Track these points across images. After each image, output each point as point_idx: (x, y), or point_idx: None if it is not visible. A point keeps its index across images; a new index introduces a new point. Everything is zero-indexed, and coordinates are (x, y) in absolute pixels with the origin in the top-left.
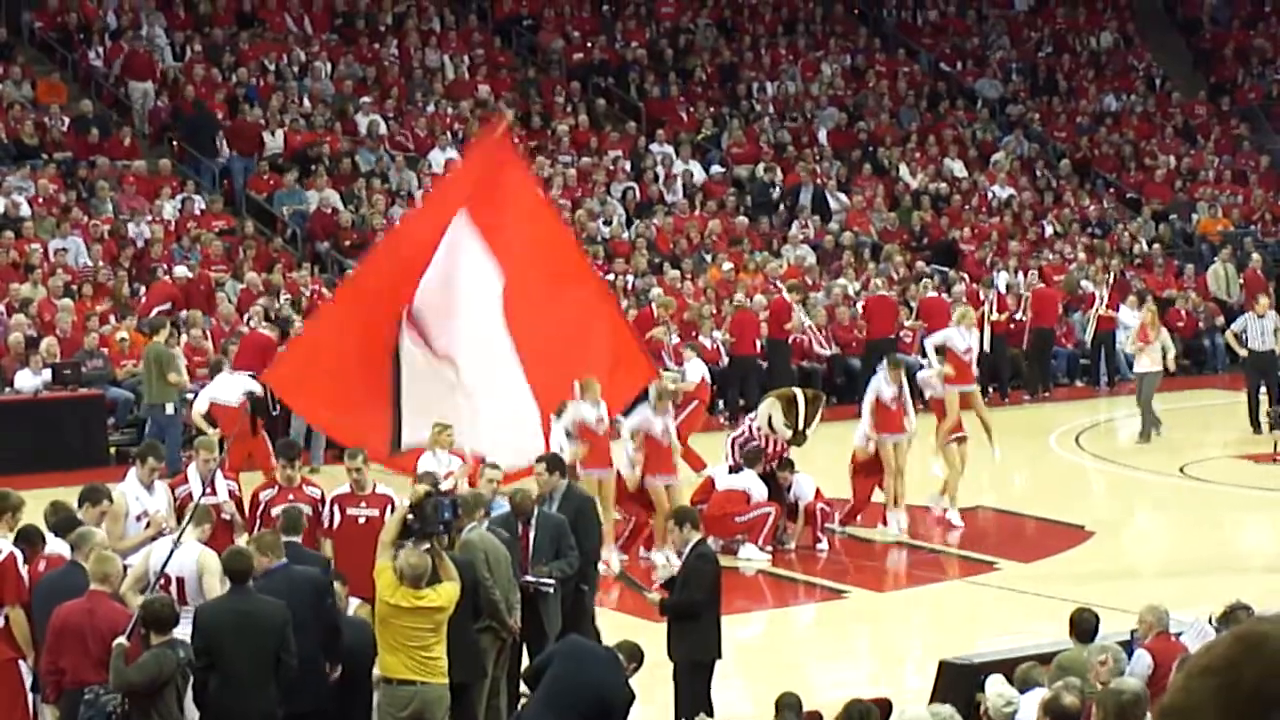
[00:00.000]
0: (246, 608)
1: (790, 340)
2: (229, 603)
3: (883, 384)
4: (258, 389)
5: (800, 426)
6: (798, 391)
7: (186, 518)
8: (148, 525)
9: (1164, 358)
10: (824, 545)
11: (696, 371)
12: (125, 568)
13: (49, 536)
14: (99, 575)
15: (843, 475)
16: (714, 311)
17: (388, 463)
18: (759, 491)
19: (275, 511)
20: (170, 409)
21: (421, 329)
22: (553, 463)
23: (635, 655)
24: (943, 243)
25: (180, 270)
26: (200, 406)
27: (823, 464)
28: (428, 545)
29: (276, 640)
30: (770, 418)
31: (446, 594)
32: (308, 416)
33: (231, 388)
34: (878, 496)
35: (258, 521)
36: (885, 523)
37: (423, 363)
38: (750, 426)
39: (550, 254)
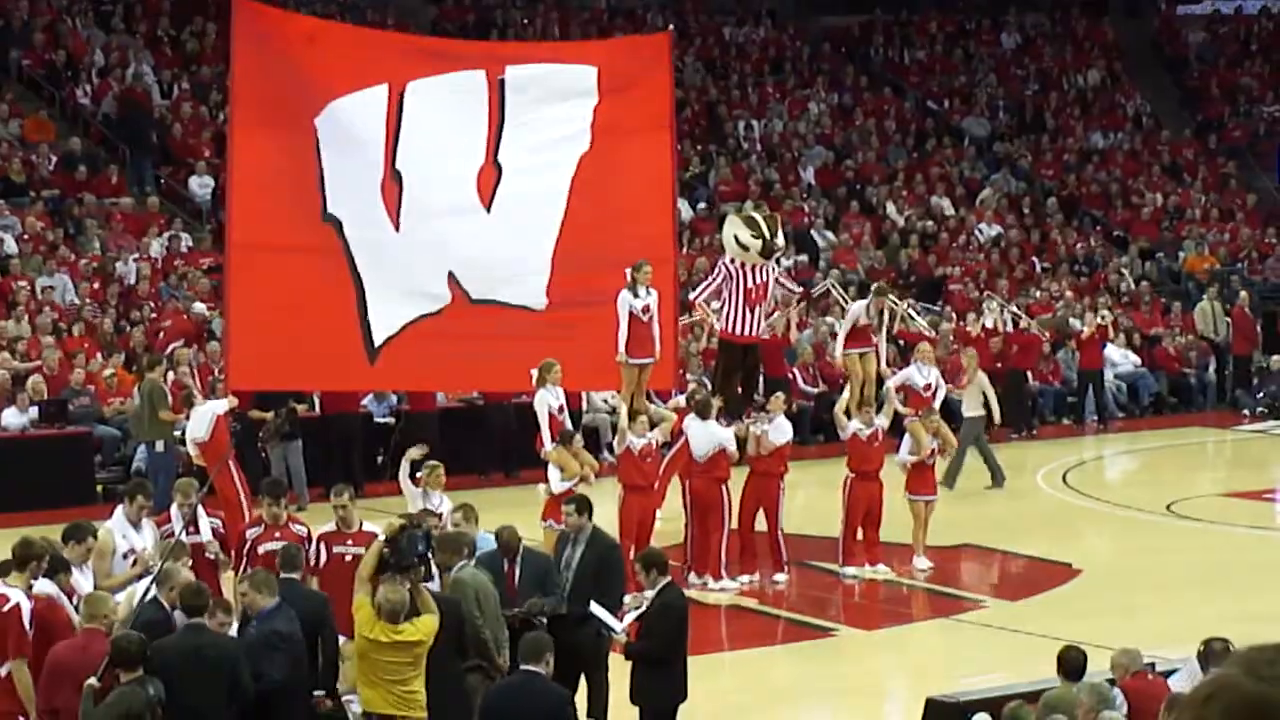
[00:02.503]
0: (198, 643)
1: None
2: (182, 639)
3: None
4: (223, 406)
5: (767, 236)
6: (747, 211)
7: (163, 555)
8: (134, 563)
9: (986, 404)
10: (782, 577)
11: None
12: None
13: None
14: (88, 615)
15: (827, 515)
16: (701, 349)
17: (369, 384)
18: (730, 445)
19: (263, 549)
20: (161, 446)
21: (406, 192)
22: (581, 504)
23: (542, 648)
24: (930, 280)
25: (198, 307)
26: (192, 451)
27: (806, 504)
28: (408, 580)
29: (229, 676)
30: (735, 237)
31: (425, 627)
32: (288, 384)
33: (201, 420)
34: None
35: (244, 559)
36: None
37: (392, 236)
38: (721, 265)
39: (637, 172)
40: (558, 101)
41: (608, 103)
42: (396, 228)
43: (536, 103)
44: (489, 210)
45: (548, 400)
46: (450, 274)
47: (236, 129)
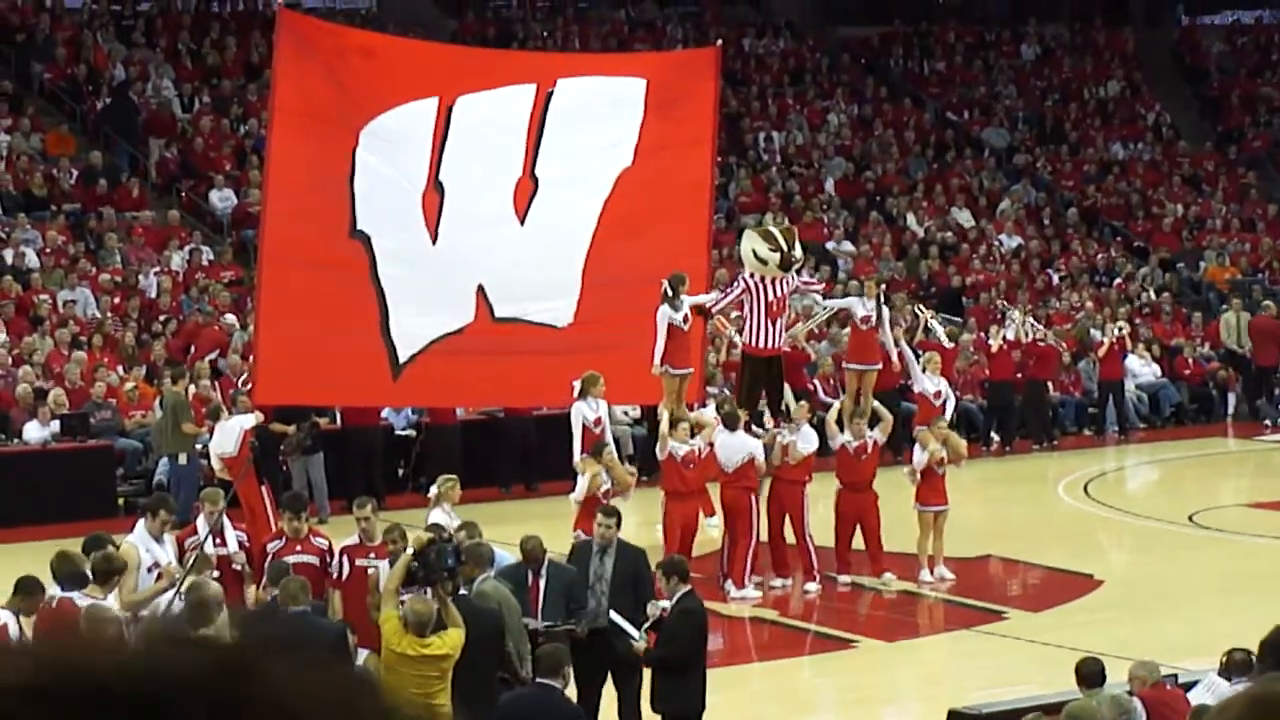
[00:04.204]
0: None
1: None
2: None
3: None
4: (250, 421)
5: (785, 249)
6: (764, 225)
7: (187, 567)
8: (159, 577)
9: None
10: (814, 586)
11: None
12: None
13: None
14: (85, 630)
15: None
16: (722, 361)
17: (393, 400)
18: (759, 454)
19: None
20: (183, 459)
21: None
22: (619, 517)
23: (560, 662)
24: (950, 291)
25: (229, 318)
26: (216, 465)
27: (825, 514)
28: (435, 593)
29: None
30: (754, 251)
31: (451, 641)
32: (314, 400)
33: (229, 434)
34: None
35: (264, 573)
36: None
37: (421, 250)
38: (741, 279)
39: (675, 182)
40: (603, 114)
41: (654, 117)
42: (434, 239)
43: (581, 115)
44: (523, 223)
45: (583, 412)
46: (480, 287)
47: (274, 141)
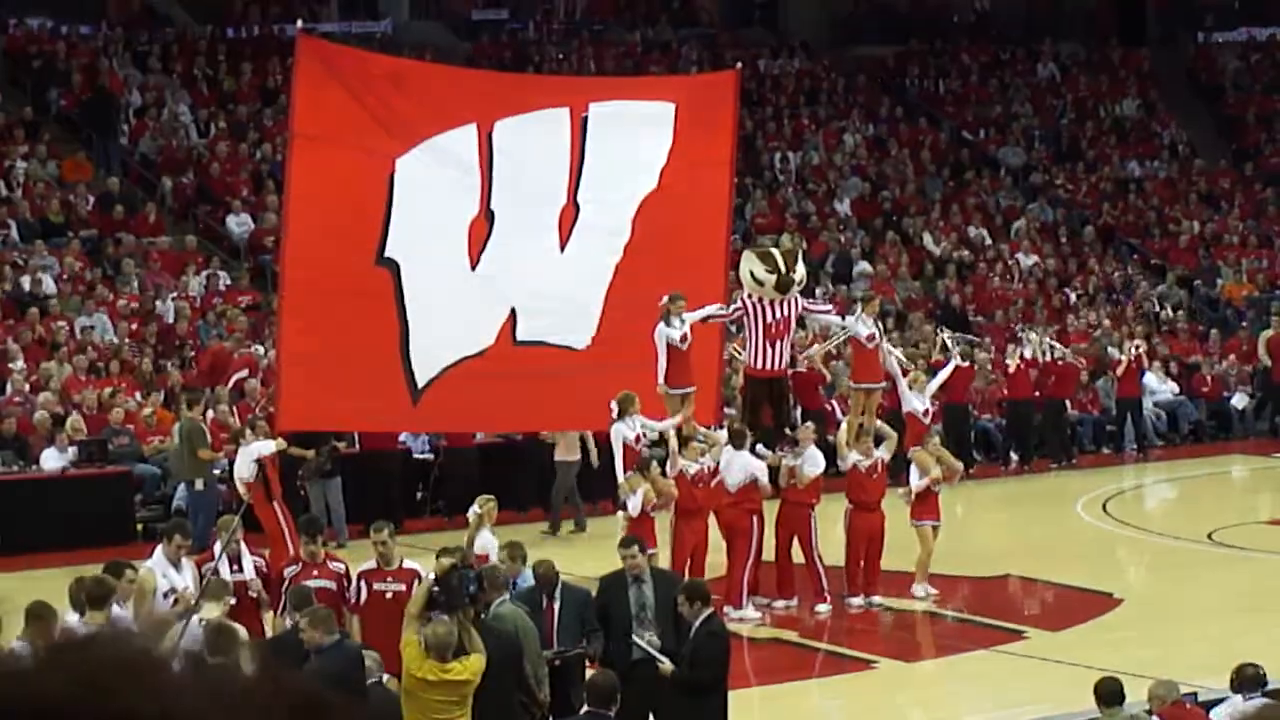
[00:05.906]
0: None
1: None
2: None
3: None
4: (271, 447)
5: (782, 271)
6: (764, 246)
7: (201, 592)
8: (175, 603)
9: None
10: (825, 607)
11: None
12: None
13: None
14: None
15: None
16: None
17: (413, 425)
18: (763, 476)
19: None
20: (200, 484)
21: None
22: (642, 544)
23: (614, 690)
24: (966, 310)
25: (258, 349)
26: (241, 489)
27: (841, 535)
28: (455, 618)
29: None
30: (751, 272)
31: (473, 666)
32: (335, 425)
33: (249, 459)
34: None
35: (282, 598)
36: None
37: (449, 271)
38: (740, 299)
39: (700, 208)
40: (635, 141)
41: (678, 141)
42: (473, 266)
43: (614, 141)
44: (563, 251)
45: (623, 432)
46: (512, 310)
47: (294, 167)
